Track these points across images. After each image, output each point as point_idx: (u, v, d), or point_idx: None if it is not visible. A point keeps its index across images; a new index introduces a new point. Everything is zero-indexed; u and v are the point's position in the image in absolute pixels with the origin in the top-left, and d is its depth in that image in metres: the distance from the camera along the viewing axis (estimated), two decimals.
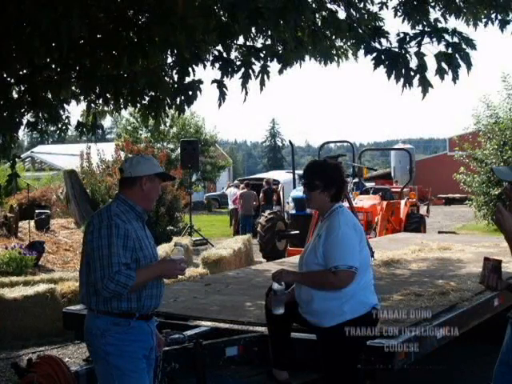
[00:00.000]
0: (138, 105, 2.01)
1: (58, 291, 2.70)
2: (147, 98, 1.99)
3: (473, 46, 1.42)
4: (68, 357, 2.34)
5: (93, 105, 2.00)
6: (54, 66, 1.81)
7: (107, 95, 1.88)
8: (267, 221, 4.82)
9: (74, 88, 1.91)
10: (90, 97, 1.94)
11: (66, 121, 2.08)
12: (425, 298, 1.75)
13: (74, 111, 2.21)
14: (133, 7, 1.67)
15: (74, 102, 2.06)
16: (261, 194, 6.90)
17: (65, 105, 2.03)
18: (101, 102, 1.96)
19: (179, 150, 7.35)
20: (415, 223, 4.80)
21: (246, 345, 1.44)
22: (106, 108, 2.05)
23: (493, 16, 1.79)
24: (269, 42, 1.82)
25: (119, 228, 1.12)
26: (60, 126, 2.13)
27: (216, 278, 2.48)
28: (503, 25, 1.79)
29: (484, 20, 1.82)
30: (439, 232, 5.26)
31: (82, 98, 1.99)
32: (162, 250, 3.51)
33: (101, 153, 5.84)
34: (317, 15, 1.74)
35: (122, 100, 1.93)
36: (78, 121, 2.13)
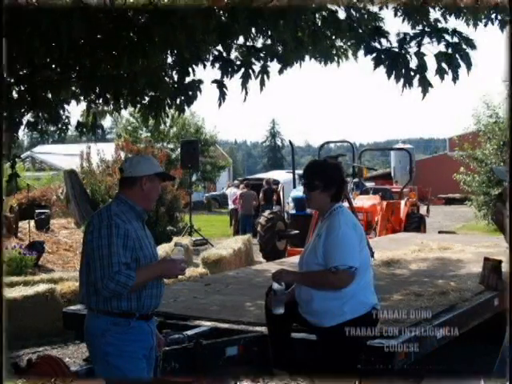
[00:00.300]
0: (138, 105, 2.02)
1: (58, 291, 2.70)
2: (147, 98, 1.99)
3: (473, 46, 1.42)
4: (68, 357, 2.35)
5: (93, 105, 2.00)
6: (54, 66, 1.81)
7: (107, 95, 1.88)
8: (267, 221, 4.82)
9: (74, 88, 1.92)
10: (90, 97, 1.94)
11: (66, 121, 2.08)
12: (425, 297, 1.75)
13: (74, 111, 2.21)
14: (132, 7, 1.67)
15: (74, 102, 2.06)
16: (261, 194, 6.90)
17: (65, 105, 2.03)
18: (101, 101, 1.97)
19: (179, 149, 7.32)
20: (415, 223, 4.80)
21: (245, 345, 1.44)
22: (105, 108, 2.06)
23: (493, 16, 1.79)
24: (269, 42, 1.82)
25: (119, 228, 1.12)
26: (60, 126, 2.13)
27: (216, 278, 2.48)
28: (503, 25, 1.80)
29: (484, 20, 1.82)
30: (439, 232, 5.27)
31: (82, 98, 1.99)
32: (162, 249, 3.51)
33: (101, 153, 5.84)
34: (317, 15, 1.75)
35: (122, 100, 1.93)
36: (78, 121, 2.14)
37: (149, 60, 1.73)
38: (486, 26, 1.79)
